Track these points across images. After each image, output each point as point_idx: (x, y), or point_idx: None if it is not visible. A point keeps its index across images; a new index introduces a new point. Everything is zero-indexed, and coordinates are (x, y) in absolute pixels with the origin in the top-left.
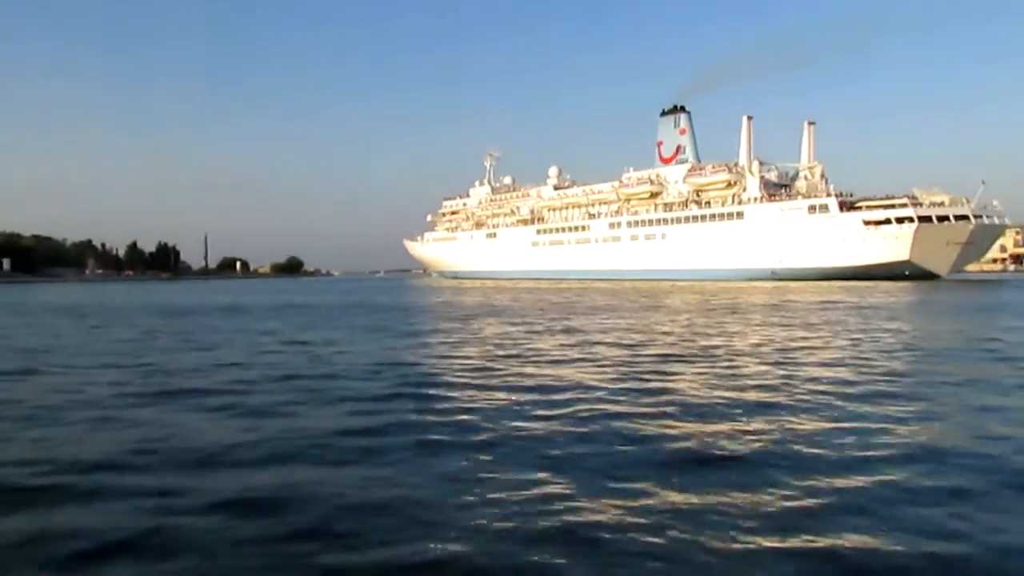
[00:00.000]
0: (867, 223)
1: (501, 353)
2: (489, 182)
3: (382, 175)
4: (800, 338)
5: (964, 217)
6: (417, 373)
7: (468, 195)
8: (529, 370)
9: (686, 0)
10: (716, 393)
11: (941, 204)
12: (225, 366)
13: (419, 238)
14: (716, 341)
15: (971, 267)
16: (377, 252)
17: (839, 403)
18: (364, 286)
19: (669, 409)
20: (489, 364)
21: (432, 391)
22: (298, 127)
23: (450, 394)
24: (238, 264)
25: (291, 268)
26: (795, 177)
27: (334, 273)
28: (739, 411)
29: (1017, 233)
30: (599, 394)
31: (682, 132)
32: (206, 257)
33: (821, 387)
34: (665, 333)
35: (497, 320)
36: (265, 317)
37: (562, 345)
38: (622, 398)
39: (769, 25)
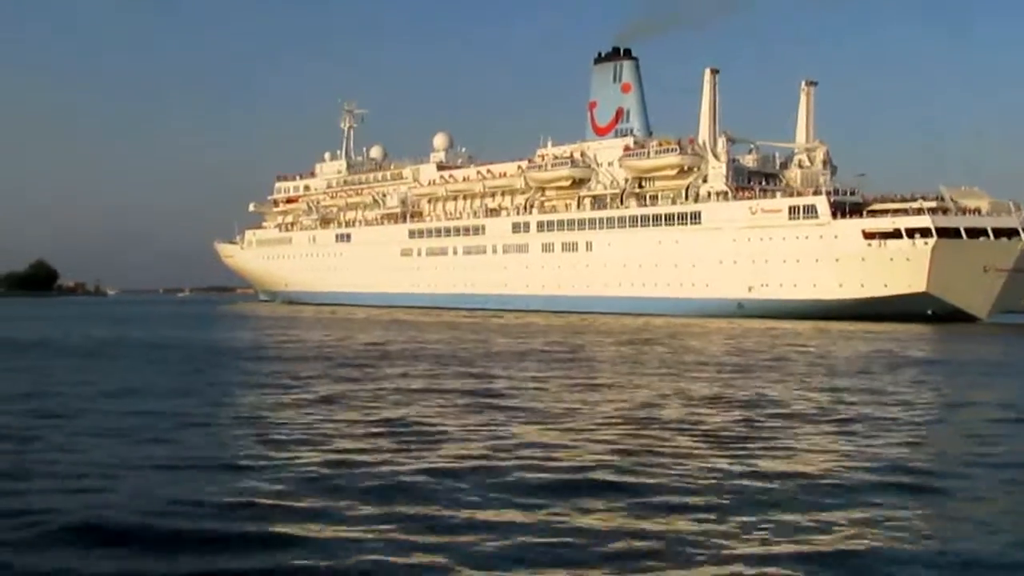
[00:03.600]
0: (868, 235)
1: None
2: (346, 155)
3: (189, 141)
4: None
5: (1011, 231)
6: None
7: (314, 173)
8: None
9: None
10: None
11: (976, 211)
12: None
13: (238, 239)
14: None
15: None
16: (182, 260)
17: None
18: (127, 315)
19: None
20: None
21: None
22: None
23: None
24: None
25: (37, 281)
26: (786, 163)
27: (109, 292)
28: None
29: None
30: None
31: (626, 89)
32: None
33: None
34: None
35: None
36: None
37: None
38: None
39: None
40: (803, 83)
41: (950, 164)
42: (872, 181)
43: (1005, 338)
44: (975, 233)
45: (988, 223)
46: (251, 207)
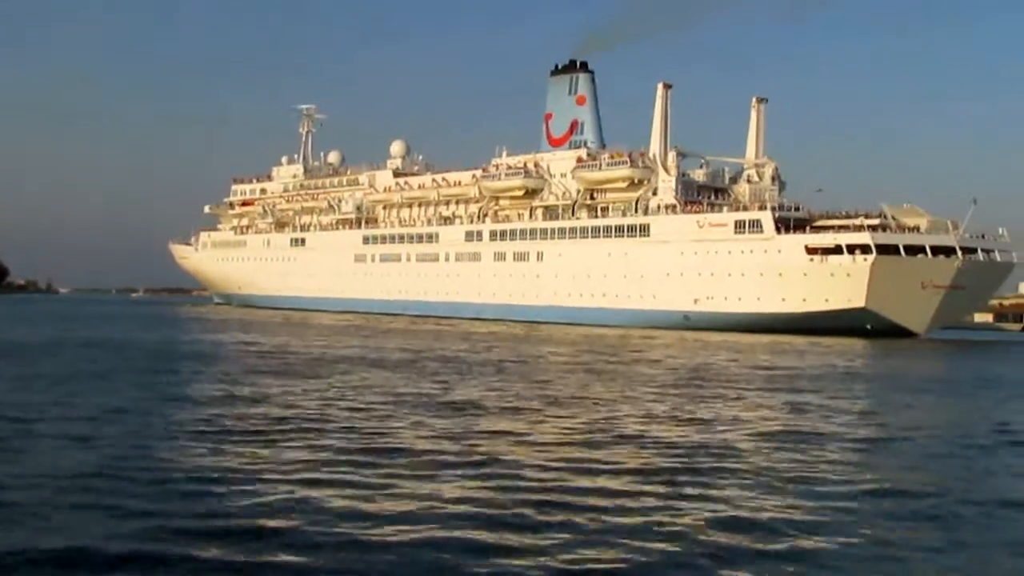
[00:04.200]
0: (811, 250)
1: None
2: (304, 159)
3: (150, 139)
4: None
5: (948, 250)
6: None
7: (270, 177)
8: None
9: None
10: None
11: (915, 229)
12: None
13: (193, 241)
14: None
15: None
16: (137, 260)
17: None
18: (74, 315)
19: None
20: None
21: None
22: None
23: None
24: None
25: None
26: (736, 178)
27: (61, 290)
28: None
29: None
30: None
31: (580, 102)
32: None
33: None
34: None
35: None
36: None
37: None
38: None
39: None
40: (754, 100)
41: (904, 181)
42: (829, 197)
43: (943, 353)
44: (913, 250)
45: (926, 241)
46: (206, 209)
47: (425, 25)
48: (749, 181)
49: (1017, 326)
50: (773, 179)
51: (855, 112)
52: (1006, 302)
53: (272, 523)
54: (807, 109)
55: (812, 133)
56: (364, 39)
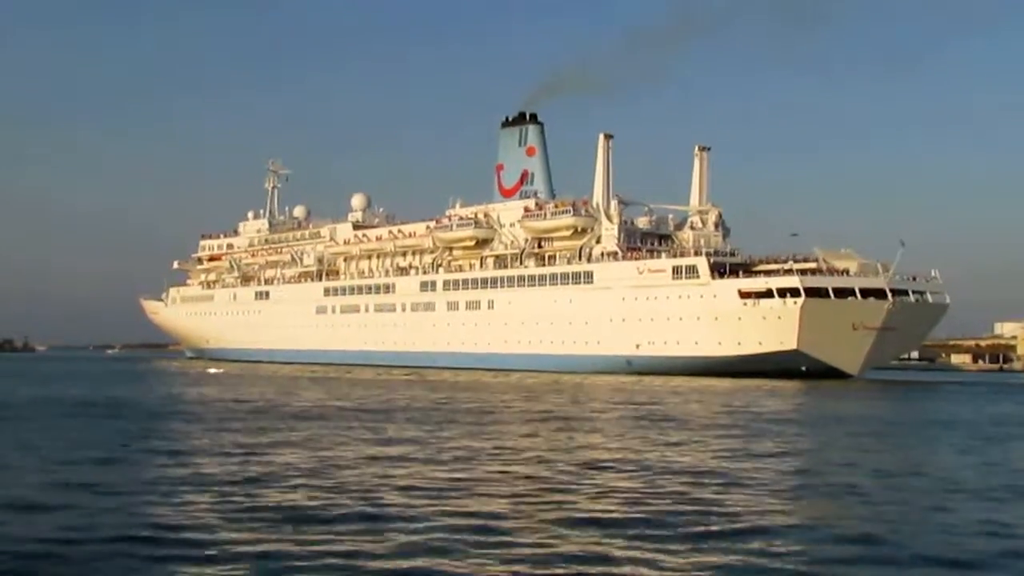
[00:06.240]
0: (744, 294)
1: None
2: (269, 214)
3: (122, 192)
4: None
5: (878, 292)
6: None
7: (237, 232)
8: None
9: None
10: None
11: (844, 272)
12: None
13: (163, 296)
14: None
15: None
16: (112, 316)
17: None
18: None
19: None
20: None
21: None
22: None
23: None
24: None
25: None
26: (681, 225)
27: (38, 348)
28: None
29: None
30: None
31: (530, 152)
32: None
33: None
34: None
35: None
36: None
37: None
38: None
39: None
40: (696, 148)
41: (872, 226)
42: (804, 240)
43: (881, 394)
44: (843, 293)
45: (855, 283)
46: (175, 264)
47: (396, 74)
48: (693, 228)
49: (995, 366)
50: (717, 225)
51: (812, 157)
52: (983, 343)
53: None
54: (768, 156)
55: (771, 180)
56: (331, 87)
